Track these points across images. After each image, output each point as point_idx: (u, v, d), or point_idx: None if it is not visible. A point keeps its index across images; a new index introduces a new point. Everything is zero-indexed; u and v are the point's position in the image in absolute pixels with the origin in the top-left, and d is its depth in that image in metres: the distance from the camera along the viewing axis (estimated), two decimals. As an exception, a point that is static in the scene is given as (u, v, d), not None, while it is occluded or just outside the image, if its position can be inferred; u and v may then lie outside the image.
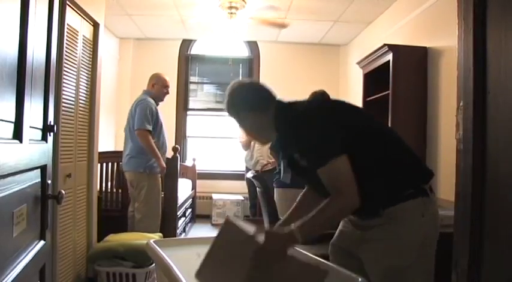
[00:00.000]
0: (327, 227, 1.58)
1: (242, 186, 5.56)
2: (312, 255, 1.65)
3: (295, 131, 1.59)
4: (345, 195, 1.49)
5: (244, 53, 6.64)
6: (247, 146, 5.20)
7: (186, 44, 6.50)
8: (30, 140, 1.29)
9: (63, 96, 2.78)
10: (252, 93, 1.73)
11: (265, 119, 1.69)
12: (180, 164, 4.51)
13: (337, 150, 1.50)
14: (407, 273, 1.55)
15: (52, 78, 1.55)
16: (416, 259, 1.55)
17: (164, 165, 3.71)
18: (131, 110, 3.77)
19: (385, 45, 3.73)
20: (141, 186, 3.68)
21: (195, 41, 6.54)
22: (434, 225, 1.60)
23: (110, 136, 5.86)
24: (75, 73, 2.97)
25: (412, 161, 1.66)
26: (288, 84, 5.49)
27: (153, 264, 2.97)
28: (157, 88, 3.85)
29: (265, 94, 1.72)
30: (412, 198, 1.56)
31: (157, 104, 3.87)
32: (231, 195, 5.98)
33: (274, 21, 4.75)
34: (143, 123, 3.59)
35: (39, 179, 1.42)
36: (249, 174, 3.15)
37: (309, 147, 1.56)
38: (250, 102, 1.70)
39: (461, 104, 0.87)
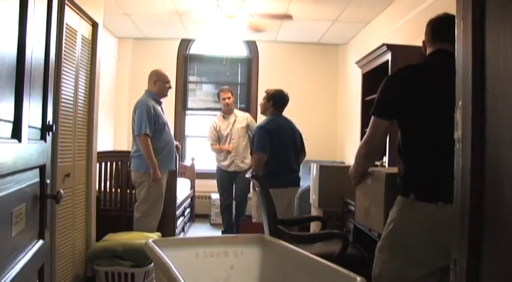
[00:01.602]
0: (358, 164, 1.98)
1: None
2: (312, 255, 1.65)
3: None
4: (363, 146, 1.87)
5: (243, 52, 6.63)
6: (218, 151, 4.97)
7: (185, 43, 6.50)
8: (29, 139, 1.29)
9: (62, 96, 2.78)
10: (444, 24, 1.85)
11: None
12: (179, 164, 4.51)
13: (380, 112, 1.78)
14: (379, 253, 1.77)
15: (51, 77, 1.55)
16: (385, 244, 1.73)
17: (159, 175, 3.63)
18: (132, 112, 3.79)
19: (383, 44, 3.73)
20: (142, 185, 3.69)
21: (193, 40, 6.53)
22: (414, 233, 1.65)
23: (109, 135, 5.85)
24: (74, 73, 2.97)
25: (421, 166, 1.70)
26: (287, 84, 5.46)
27: (152, 264, 2.97)
28: (159, 85, 3.86)
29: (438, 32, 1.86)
30: (400, 194, 1.75)
31: (160, 102, 3.90)
32: (229, 195, 5.95)
33: (278, 13, 4.73)
34: (141, 128, 3.61)
35: (38, 179, 1.42)
36: (248, 174, 3.14)
37: None
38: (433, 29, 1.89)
39: (459, 103, 0.87)
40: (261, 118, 6.36)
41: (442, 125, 1.67)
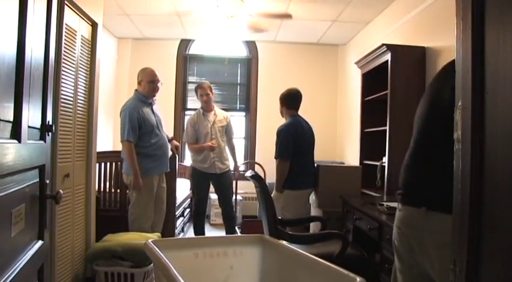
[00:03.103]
0: None
1: (240, 185, 5.55)
2: (312, 256, 1.65)
3: None
4: None
5: (242, 52, 6.64)
6: (196, 151, 4.53)
7: (185, 43, 6.50)
8: (28, 139, 1.29)
9: (62, 96, 2.78)
10: None
11: None
12: (178, 164, 4.50)
13: None
14: None
15: (50, 78, 1.55)
16: None
17: (140, 183, 3.57)
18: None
19: (383, 45, 3.73)
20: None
21: (193, 40, 6.54)
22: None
23: (108, 136, 5.85)
24: (73, 73, 2.97)
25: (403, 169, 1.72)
26: (287, 84, 5.45)
27: (152, 264, 2.97)
28: (143, 85, 3.73)
29: None
30: None
31: (149, 102, 3.77)
32: (229, 195, 5.95)
33: (278, 13, 4.73)
34: (123, 134, 3.58)
35: (38, 179, 1.42)
36: (248, 174, 3.13)
37: None
38: None
39: (459, 103, 0.87)
40: (261, 118, 6.40)
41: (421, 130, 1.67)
